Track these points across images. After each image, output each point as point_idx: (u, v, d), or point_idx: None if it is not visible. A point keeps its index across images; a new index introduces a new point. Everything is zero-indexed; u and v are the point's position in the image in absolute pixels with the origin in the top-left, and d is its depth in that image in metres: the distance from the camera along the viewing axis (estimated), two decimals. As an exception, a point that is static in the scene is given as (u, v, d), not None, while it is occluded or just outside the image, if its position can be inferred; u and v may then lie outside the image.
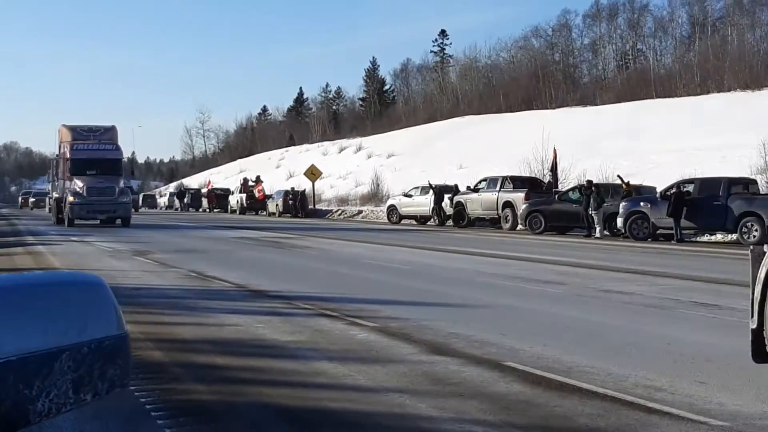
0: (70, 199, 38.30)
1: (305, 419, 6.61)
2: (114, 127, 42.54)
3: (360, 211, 54.71)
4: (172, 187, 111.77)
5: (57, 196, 42.69)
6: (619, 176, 35.00)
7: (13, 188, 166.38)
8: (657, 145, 55.08)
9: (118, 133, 42.60)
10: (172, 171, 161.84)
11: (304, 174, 62.47)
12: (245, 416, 6.70)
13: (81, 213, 38.51)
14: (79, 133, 41.32)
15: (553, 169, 40.45)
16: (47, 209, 65.96)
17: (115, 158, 40.77)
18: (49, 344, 1.19)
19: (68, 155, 40.00)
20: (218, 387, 7.59)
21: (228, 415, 6.74)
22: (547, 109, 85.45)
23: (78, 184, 38.62)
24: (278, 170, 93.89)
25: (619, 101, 79.63)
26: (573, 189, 35.16)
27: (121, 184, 40.54)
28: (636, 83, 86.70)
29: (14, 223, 47.59)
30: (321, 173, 63.13)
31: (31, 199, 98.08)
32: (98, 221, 39.53)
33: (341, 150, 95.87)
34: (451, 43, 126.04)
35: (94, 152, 40.09)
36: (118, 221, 39.73)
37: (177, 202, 79.55)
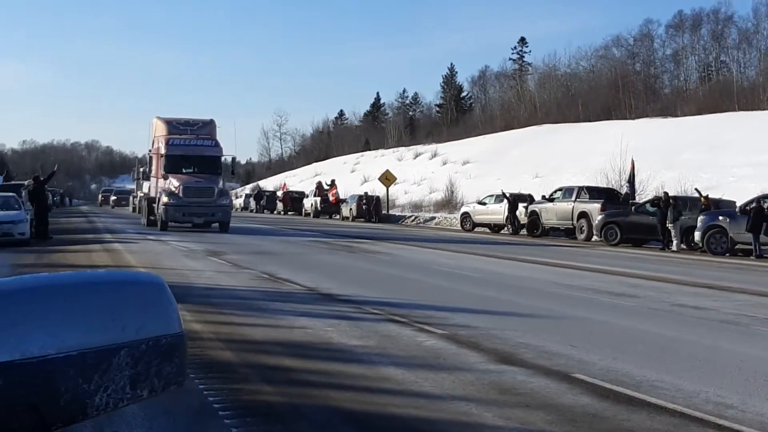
0: (164, 199, 34.30)
1: (370, 424, 6.63)
2: (213, 121, 38.89)
3: (433, 218, 54.60)
4: (248, 188, 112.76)
5: (149, 195, 38.52)
6: (696, 189, 34.45)
7: (93, 186, 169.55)
8: (738, 158, 54.08)
9: (217, 128, 38.86)
10: (248, 172, 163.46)
11: (379, 179, 62.62)
12: (311, 418, 6.75)
13: (176, 215, 34.51)
14: (175, 127, 37.63)
15: (631, 180, 39.93)
16: (131, 208, 65.04)
17: (214, 155, 36.71)
18: (108, 340, 1.22)
19: (163, 150, 36.11)
20: (285, 388, 7.65)
21: (294, 416, 6.79)
22: (627, 119, 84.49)
23: (173, 183, 34.71)
24: (353, 175, 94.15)
25: (700, 113, 78.39)
26: (650, 201, 34.68)
27: (221, 184, 36.68)
28: (718, 95, 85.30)
29: (93, 221, 48.35)
30: (395, 179, 63.21)
31: (113, 197, 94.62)
32: (192, 225, 35.47)
33: (416, 156, 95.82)
34: (530, 51, 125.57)
35: (192, 148, 36.17)
36: (215, 226, 35.49)
37: (253, 204, 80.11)
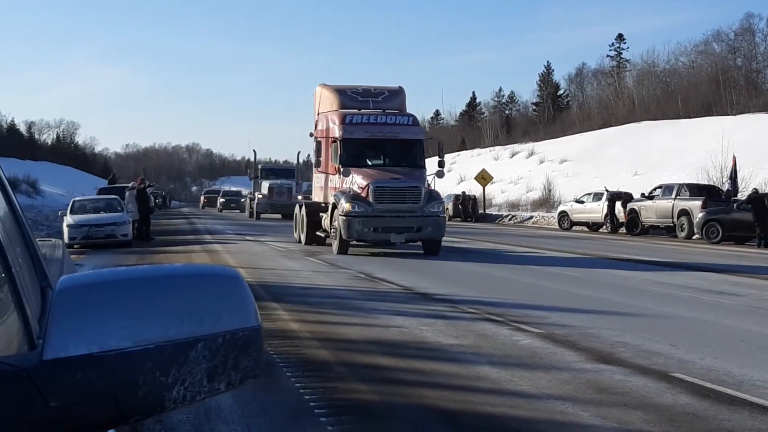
0: (345, 206, 22.70)
1: (464, 422, 6.61)
2: (401, 89, 26.39)
3: (531, 217, 54.20)
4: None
5: (312, 199, 27.56)
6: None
7: (194, 188, 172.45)
8: None
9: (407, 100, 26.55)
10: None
11: (475, 178, 62.36)
12: (405, 417, 6.75)
13: (363, 231, 22.85)
14: (350, 98, 25.65)
15: (733, 177, 39.08)
16: (247, 214, 55.85)
17: (414, 138, 24.79)
18: (185, 334, 1.23)
19: (336, 132, 24.32)
20: (380, 387, 7.67)
21: (388, 415, 6.80)
22: (728, 115, 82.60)
23: (358, 181, 23.31)
24: (449, 174, 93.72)
25: (805, 107, 76.24)
26: (747, 199, 33.90)
27: (428, 182, 25.78)
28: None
29: (195, 223, 48.97)
30: (492, 178, 62.88)
31: (221, 199, 79.53)
32: (372, 244, 24.33)
33: (513, 155, 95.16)
34: (628, 48, 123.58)
35: (380, 127, 24.53)
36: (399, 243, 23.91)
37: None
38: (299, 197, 33.32)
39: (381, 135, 24.39)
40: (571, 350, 9.30)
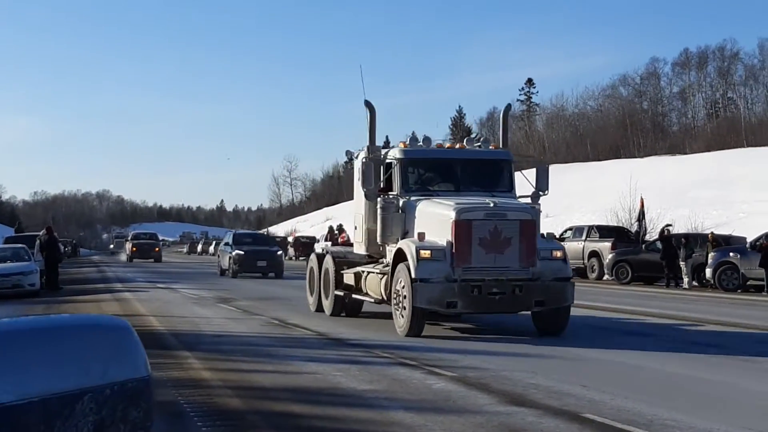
0: None
1: (378, 469, 6.57)
2: None
3: (444, 260, 54.48)
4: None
5: None
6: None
7: (104, 235, 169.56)
8: (747, 194, 53.97)
9: None
10: (259, 219, 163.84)
11: (389, 222, 62.53)
12: (318, 465, 6.69)
13: None
14: None
15: (640, 218, 39.88)
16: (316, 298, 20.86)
17: None
18: (71, 386, 1.20)
19: None
20: (293, 435, 7.60)
21: (301, 463, 6.73)
22: (635, 157, 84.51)
23: None
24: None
25: (708, 150, 78.36)
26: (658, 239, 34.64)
27: None
28: (726, 132, 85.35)
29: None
30: (406, 222, 63.15)
31: (235, 252, 37.26)
32: None
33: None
34: (537, 92, 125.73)
35: None
36: None
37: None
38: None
39: None
40: (484, 393, 9.33)
